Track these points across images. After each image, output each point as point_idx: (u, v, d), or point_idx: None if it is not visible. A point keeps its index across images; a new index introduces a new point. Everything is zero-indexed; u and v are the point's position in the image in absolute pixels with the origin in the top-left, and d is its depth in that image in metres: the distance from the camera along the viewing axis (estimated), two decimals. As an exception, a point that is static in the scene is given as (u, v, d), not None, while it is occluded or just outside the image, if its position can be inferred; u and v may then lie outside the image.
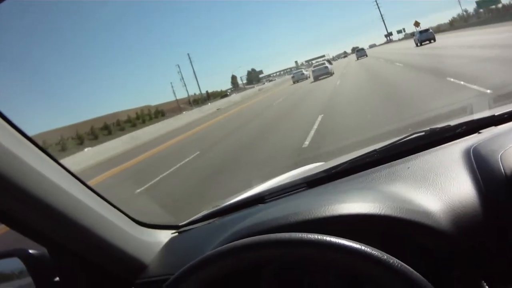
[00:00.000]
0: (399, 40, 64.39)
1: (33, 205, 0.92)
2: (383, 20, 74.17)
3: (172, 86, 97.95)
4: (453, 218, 0.86)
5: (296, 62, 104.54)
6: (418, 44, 30.29)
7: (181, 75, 79.47)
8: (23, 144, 0.94)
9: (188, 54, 79.90)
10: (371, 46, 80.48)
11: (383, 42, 77.14)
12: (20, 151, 0.90)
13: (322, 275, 0.98)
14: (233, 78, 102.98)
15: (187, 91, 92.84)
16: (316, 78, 31.81)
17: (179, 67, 68.33)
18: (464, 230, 0.84)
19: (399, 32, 61.16)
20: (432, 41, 29.59)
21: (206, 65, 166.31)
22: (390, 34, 71.50)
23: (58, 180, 0.98)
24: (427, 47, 26.61)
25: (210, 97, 74.65)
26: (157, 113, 49.63)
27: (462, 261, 0.83)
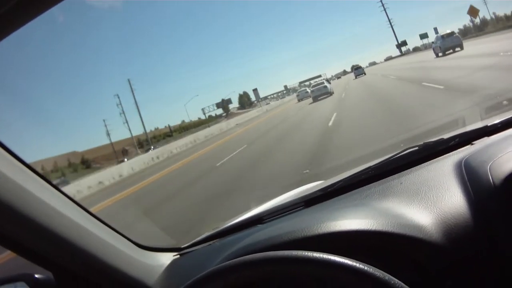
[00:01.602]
0: (413, 51, 55.49)
1: (38, 231, 0.94)
2: (392, 28, 58.55)
3: (105, 125, 60.85)
4: (444, 230, 0.87)
5: (285, 86, 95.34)
6: (439, 54, 22.64)
7: (122, 108, 54.20)
8: (25, 173, 0.97)
9: (128, 80, 51.97)
10: (371, 64, 76.60)
11: (393, 56, 69.30)
12: (22, 180, 0.93)
13: None
14: (224, 102, 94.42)
15: (129, 129, 64.95)
16: (316, 99, 29.14)
17: (118, 97, 56.33)
18: (455, 241, 0.85)
19: (423, 37, 47.43)
20: (458, 49, 21.43)
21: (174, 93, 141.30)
22: (403, 44, 57.65)
23: (61, 208, 1.01)
24: (453, 58, 19.22)
25: (182, 130, 64.86)
26: (83, 163, 42.65)
27: (455, 271, 0.85)
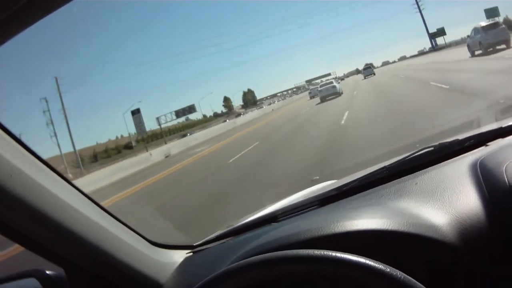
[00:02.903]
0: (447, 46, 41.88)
1: (51, 226, 0.94)
2: (421, 12, 46.11)
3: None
4: (459, 230, 0.87)
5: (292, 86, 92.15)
6: (477, 53, 17.00)
7: (50, 115, 37.96)
8: (38, 167, 0.97)
9: (56, 79, 36.84)
10: (384, 64, 71.19)
11: (407, 56, 62.48)
12: (36, 175, 0.93)
13: None
14: (227, 100, 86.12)
15: (58, 144, 39.42)
16: (323, 99, 27.78)
17: (47, 102, 36.99)
18: (470, 242, 0.85)
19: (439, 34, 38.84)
20: (503, 46, 15.74)
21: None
22: (439, 33, 43.65)
23: (74, 203, 1.01)
24: (496, 58, 13.91)
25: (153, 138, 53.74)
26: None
27: (468, 272, 0.84)
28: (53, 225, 0.94)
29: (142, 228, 1.30)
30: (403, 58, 64.62)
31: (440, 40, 45.65)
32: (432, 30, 46.27)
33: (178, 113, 49.67)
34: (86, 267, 1.07)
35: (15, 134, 0.93)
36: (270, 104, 71.39)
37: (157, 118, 47.39)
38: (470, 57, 17.76)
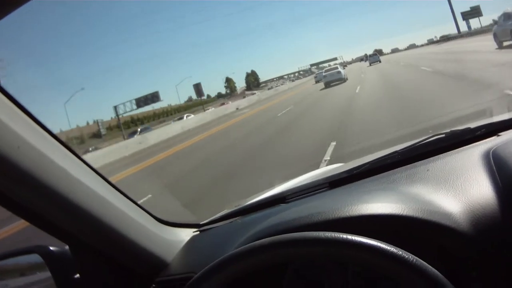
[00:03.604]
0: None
1: (57, 201, 0.93)
2: None
3: None
4: (472, 219, 0.86)
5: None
6: (505, 43, 13.57)
7: None
8: (48, 141, 0.95)
9: None
10: (394, 51, 69.26)
11: (417, 44, 58.13)
12: (44, 148, 0.91)
13: (342, 275, 0.99)
14: (229, 81, 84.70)
15: None
16: (328, 85, 27.29)
17: None
18: (483, 231, 0.85)
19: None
20: None
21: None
22: (473, 13, 34.66)
23: (82, 177, 0.99)
24: None
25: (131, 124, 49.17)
26: None
27: (481, 261, 0.84)
28: (60, 199, 0.93)
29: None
30: (412, 47, 61.14)
31: (475, 23, 36.13)
32: (465, 8, 37.47)
33: (139, 102, 43.91)
34: (91, 243, 1.06)
35: (24, 106, 0.91)
36: (277, 86, 72.18)
37: (115, 107, 41.97)
38: (496, 48, 14.24)
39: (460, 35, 36.67)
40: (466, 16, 36.16)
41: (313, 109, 16.28)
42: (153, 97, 45.26)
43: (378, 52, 44.29)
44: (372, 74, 25.40)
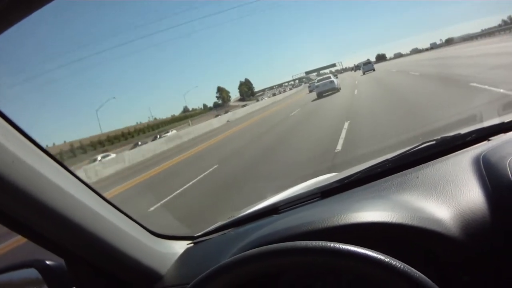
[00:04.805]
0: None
1: (51, 216, 0.94)
2: None
3: None
4: (462, 224, 0.87)
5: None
6: None
7: None
8: (40, 156, 0.96)
9: None
10: (396, 56, 65.20)
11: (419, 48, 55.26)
12: (37, 164, 0.92)
13: (336, 283, 1.00)
14: (221, 91, 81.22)
15: None
16: (320, 95, 26.09)
17: None
18: (473, 235, 0.85)
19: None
20: None
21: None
22: None
23: (76, 192, 1.00)
24: None
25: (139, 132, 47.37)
26: None
27: (472, 266, 0.84)
28: (54, 215, 0.94)
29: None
30: (415, 51, 58.88)
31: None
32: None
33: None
34: (86, 257, 1.07)
35: (15, 123, 0.92)
36: (271, 96, 70.95)
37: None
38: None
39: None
40: None
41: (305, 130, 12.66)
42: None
43: (381, 57, 42.66)
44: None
